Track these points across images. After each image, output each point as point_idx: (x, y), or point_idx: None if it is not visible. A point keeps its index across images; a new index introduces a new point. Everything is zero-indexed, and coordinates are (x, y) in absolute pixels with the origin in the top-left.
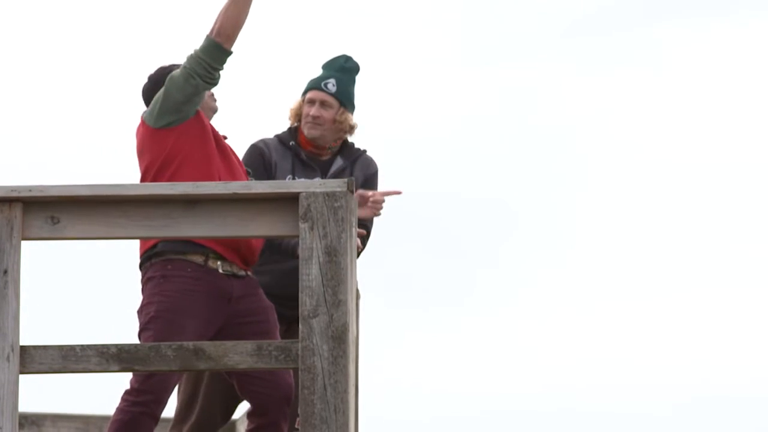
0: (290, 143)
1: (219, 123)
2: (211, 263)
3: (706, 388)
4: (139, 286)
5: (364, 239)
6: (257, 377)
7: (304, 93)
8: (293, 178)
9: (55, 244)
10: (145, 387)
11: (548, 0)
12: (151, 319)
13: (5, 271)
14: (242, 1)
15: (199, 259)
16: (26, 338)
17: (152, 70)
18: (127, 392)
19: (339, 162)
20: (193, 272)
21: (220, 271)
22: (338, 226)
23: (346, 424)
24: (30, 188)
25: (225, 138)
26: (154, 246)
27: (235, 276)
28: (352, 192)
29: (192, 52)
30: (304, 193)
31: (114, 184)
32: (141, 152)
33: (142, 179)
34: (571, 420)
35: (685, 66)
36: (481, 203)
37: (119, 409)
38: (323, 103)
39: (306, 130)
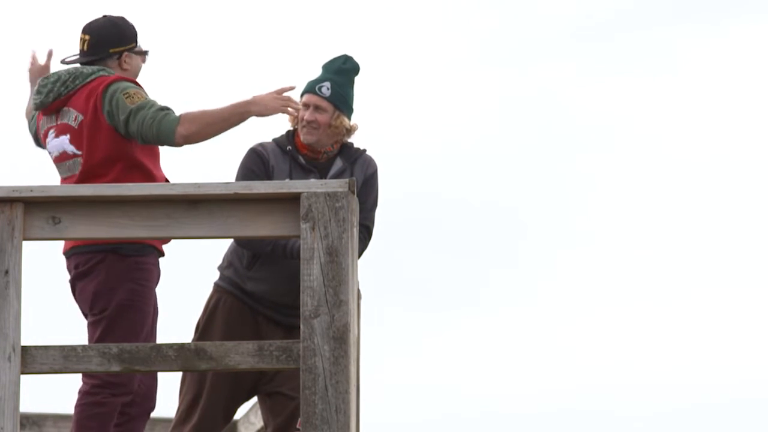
0: (287, 148)
1: None
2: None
3: (712, 391)
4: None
5: (364, 241)
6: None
7: (301, 96)
8: None
9: (57, 245)
10: (122, 380)
11: (561, 3)
12: (124, 307)
13: (6, 272)
14: (228, 124)
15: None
16: (27, 338)
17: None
18: (100, 386)
19: (338, 164)
20: (154, 259)
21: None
22: (339, 226)
23: (347, 424)
24: (31, 188)
25: None
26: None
27: None
28: (353, 192)
29: (154, 117)
30: (305, 194)
31: (115, 184)
32: (108, 155)
33: (96, 172)
34: (575, 422)
35: (701, 69)
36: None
37: (98, 402)
38: (317, 108)
39: (302, 135)
